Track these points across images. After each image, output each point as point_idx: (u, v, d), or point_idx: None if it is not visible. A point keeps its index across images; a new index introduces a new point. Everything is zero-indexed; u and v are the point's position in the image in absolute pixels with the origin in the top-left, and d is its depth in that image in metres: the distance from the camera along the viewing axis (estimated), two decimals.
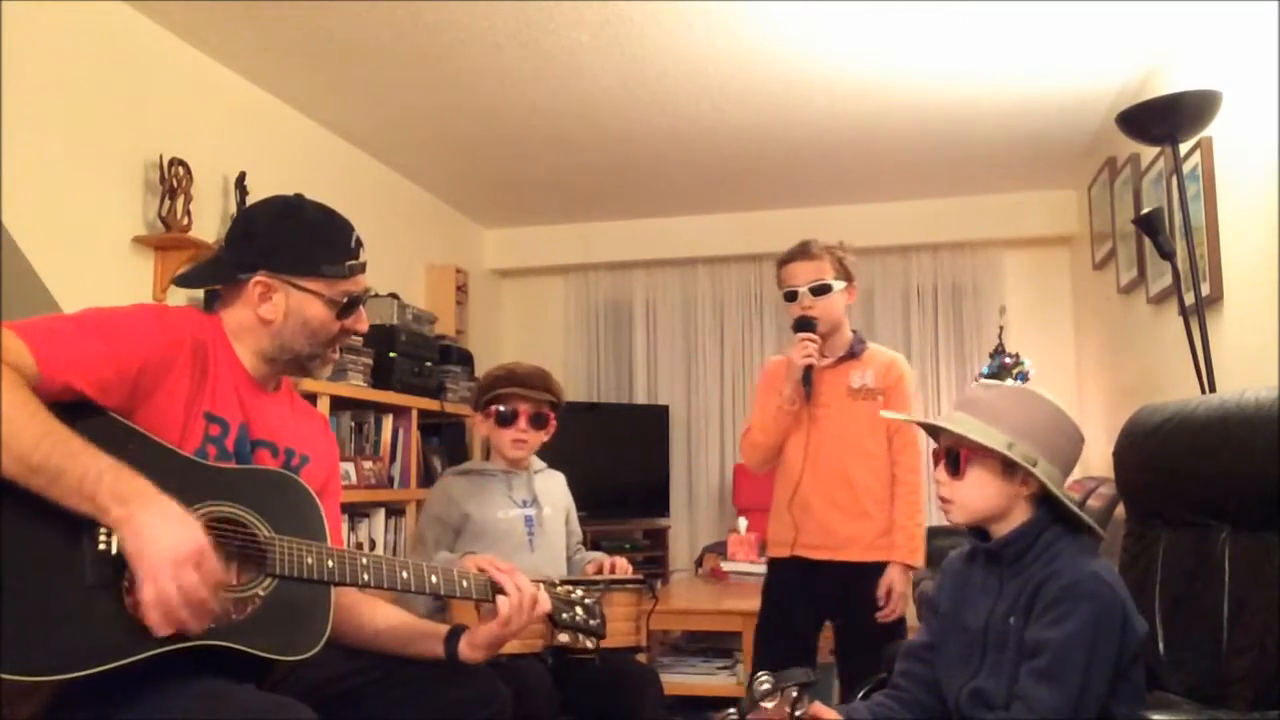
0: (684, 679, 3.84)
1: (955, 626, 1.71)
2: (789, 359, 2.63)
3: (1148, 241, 3.03)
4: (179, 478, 1.42)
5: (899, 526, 2.57)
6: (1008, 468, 1.63)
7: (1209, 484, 1.75)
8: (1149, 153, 3.52)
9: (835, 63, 3.58)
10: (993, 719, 1.57)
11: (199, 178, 3.31)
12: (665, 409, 5.68)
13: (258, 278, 1.61)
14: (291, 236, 1.63)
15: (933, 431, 1.77)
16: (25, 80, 2.73)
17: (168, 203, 3.18)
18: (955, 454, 1.68)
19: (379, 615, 1.77)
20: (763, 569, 4.31)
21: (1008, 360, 4.69)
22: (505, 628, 1.71)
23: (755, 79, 3.72)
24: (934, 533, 3.09)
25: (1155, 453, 1.86)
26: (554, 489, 2.69)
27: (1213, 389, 2.63)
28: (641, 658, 2.50)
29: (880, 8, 3.17)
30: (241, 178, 3.49)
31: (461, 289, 5.13)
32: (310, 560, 1.51)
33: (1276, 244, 2.57)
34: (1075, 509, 1.63)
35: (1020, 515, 1.66)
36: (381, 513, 3.92)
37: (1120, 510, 2.40)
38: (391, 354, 4.07)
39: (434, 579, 1.67)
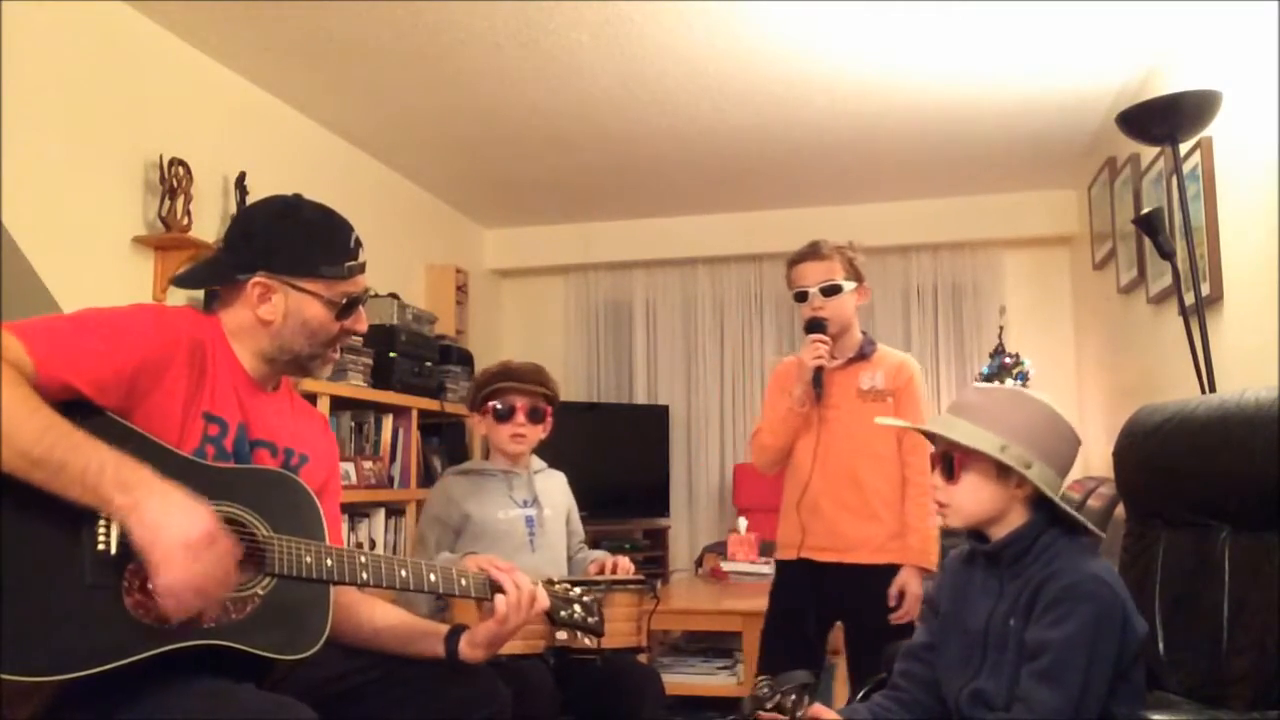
0: (684, 679, 3.84)
1: (955, 627, 1.71)
2: (800, 360, 2.62)
3: (1148, 241, 3.03)
4: (177, 477, 1.42)
5: (912, 529, 2.55)
6: (1002, 471, 1.63)
7: (1209, 484, 1.74)
8: (1149, 153, 3.52)
9: (835, 63, 3.58)
10: (993, 719, 1.57)
11: (199, 178, 3.31)
12: (665, 409, 5.67)
13: (256, 279, 1.61)
14: (290, 237, 1.63)
15: (931, 436, 1.77)
16: (25, 80, 2.73)
17: (168, 203, 3.18)
18: (950, 458, 1.68)
19: (378, 614, 1.77)
20: (763, 569, 4.36)
21: (1008, 360, 4.69)
22: (503, 625, 1.71)
23: (755, 79, 3.71)
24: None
25: (1155, 453, 1.86)
26: (554, 489, 2.69)
27: (1213, 389, 2.63)
28: (642, 658, 2.50)
29: (880, 8, 3.17)
30: (241, 178, 3.50)
31: (461, 289, 5.13)
32: (309, 559, 1.51)
33: (1276, 244, 2.57)
34: (1071, 511, 1.63)
35: (1017, 518, 1.65)
36: (381, 513, 3.92)
37: (1120, 510, 2.40)
38: (391, 354, 4.07)
39: (433, 578, 1.67)
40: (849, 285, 2.63)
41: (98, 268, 3.01)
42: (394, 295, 4.31)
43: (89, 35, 2.97)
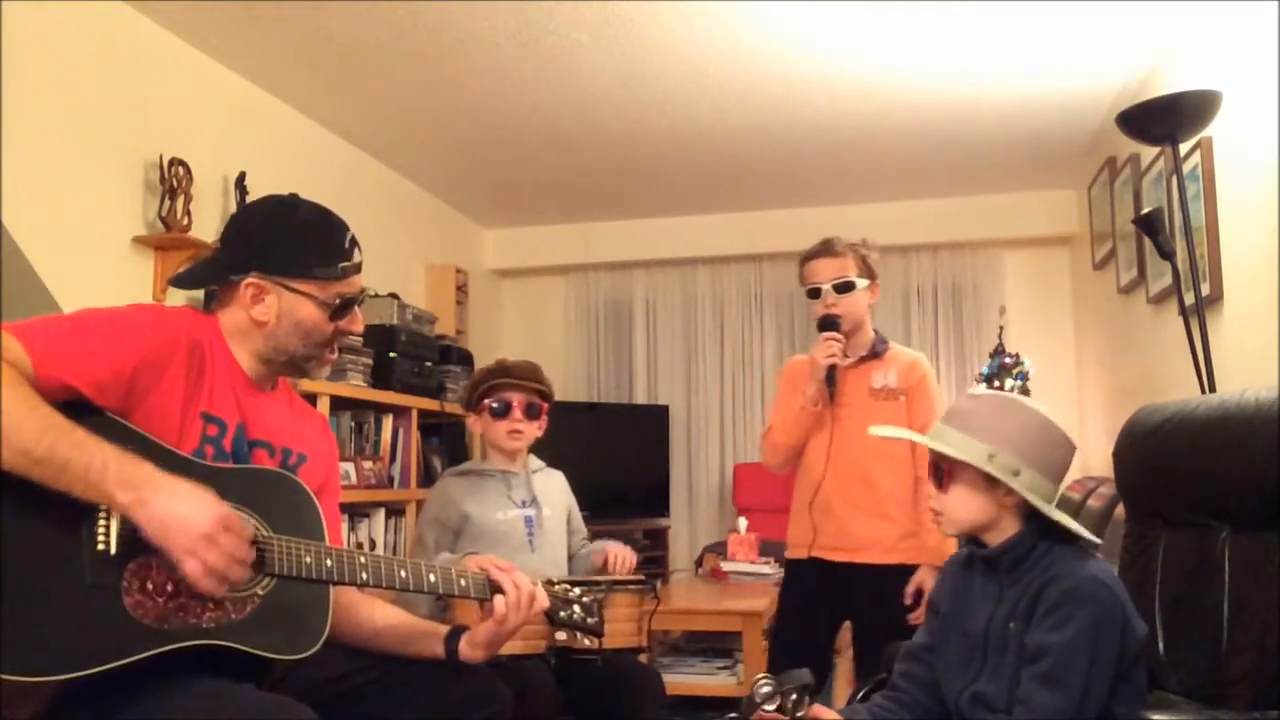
0: (684, 679, 3.84)
1: (955, 629, 1.70)
2: (812, 358, 2.60)
3: (1148, 241, 3.03)
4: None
5: (927, 528, 2.52)
6: (991, 480, 1.62)
7: (1209, 484, 1.74)
8: (1149, 153, 3.52)
9: (835, 63, 3.58)
10: None
11: (199, 178, 3.31)
12: (665, 409, 5.68)
13: (250, 279, 1.60)
14: (284, 237, 1.63)
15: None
16: (25, 80, 2.73)
17: (168, 203, 3.18)
18: (941, 467, 1.68)
19: (378, 615, 1.77)
20: (763, 569, 4.36)
21: (1008, 360, 4.69)
22: (503, 625, 1.71)
23: (755, 79, 3.71)
24: None
25: (1155, 453, 1.86)
26: (553, 488, 2.69)
27: (1213, 389, 2.63)
28: (642, 658, 2.50)
29: (880, 8, 3.17)
30: (241, 178, 3.49)
31: (461, 289, 5.13)
32: (309, 559, 1.51)
33: (1276, 244, 2.57)
34: (1063, 521, 1.61)
35: (1010, 526, 1.65)
36: (381, 513, 3.92)
37: (1120, 510, 2.40)
38: (391, 354, 4.07)
39: (432, 578, 1.67)
40: (862, 282, 2.61)
41: (98, 268, 3.01)
42: (394, 295, 4.31)
43: (89, 35, 2.97)
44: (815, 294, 2.62)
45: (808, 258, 2.66)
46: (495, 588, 1.74)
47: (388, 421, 4.11)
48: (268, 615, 1.46)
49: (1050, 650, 1.51)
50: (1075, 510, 3.18)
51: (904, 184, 5.06)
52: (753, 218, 5.51)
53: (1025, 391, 4.45)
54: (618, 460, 5.33)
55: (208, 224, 3.40)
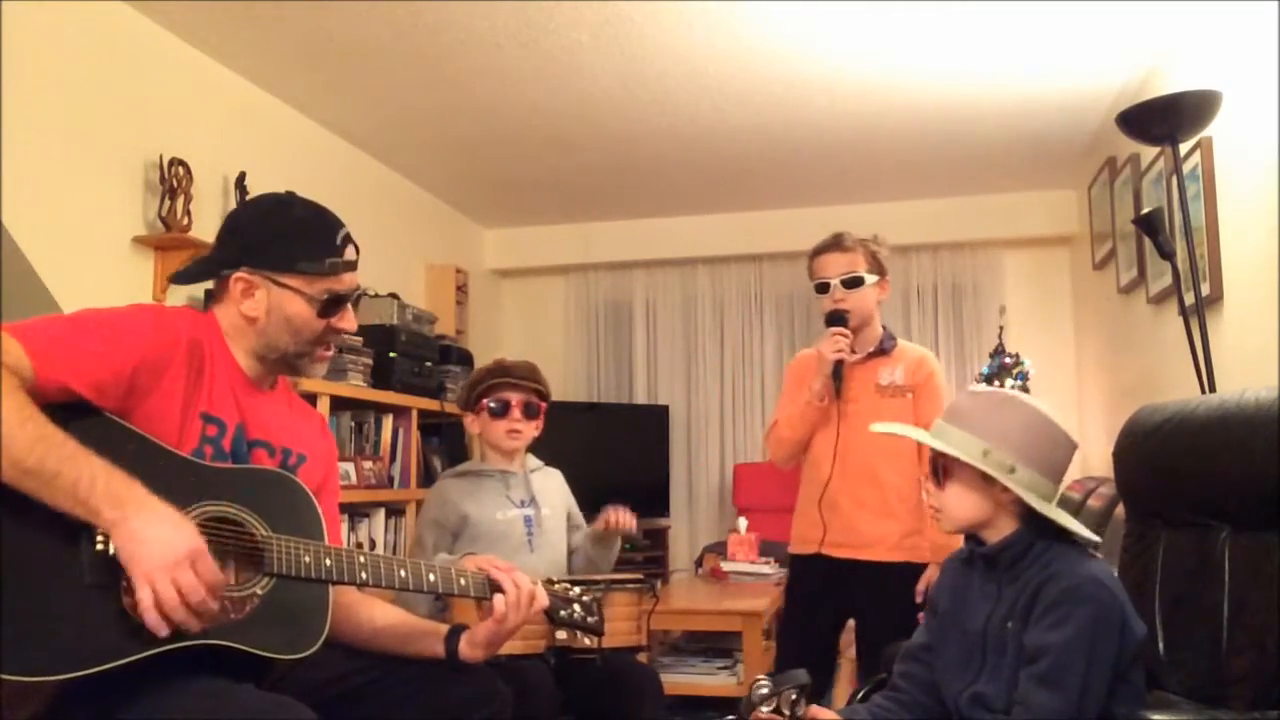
0: (684, 679, 3.84)
1: (954, 628, 1.70)
2: (819, 353, 2.59)
3: (1148, 241, 3.03)
4: (176, 478, 1.42)
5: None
6: (987, 477, 1.61)
7: (1209, 484, 1.74)
8: (1149, 153, 3.52)
9: (835, 63, 3.58)
10: None
11: (199, 178, 3.31)
12: (665, 409, 5.67)
13: (239, 274, 1.60)
14: (273, 233, 1.63)
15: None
16: (25, 80, 2.73)
17: (168, 203, 3.18)
18: (940, 464, 1.68)
19: (378, 614, 1.77)
20: (763, 569, 4.36)
21: (1008, 360, 4.69)
22: (503, 624, 1.71)
23: (755, 79, 3.71)
24: None
25: (1155, 453, 1.86)
26: (552, 488, 2.69)
27: (1213, 389, 2.63)
28: (642, 657, 2.50)
29: (880, 8, 3.17)
30: (241, 178, 3.50)
31: (461, 289, 5.13)
32: (308, 559, 1.51)
33: (1276, 244, 2.57)
34: (1059, 519, 1.60)
35: (1007, 524, 1.64)
36: (381, 513, 3.92)
37: (1120, 510, 2.40)
38: (391, 354, 4.07)
39: (432, 577, 1.67)
40: (871, 278, 2.61)
41: (98, 268, 3.01)
42: (394, 295, 4.31)
43: (89, 35, 2.97)
44: (824, 288, 2.62)
45: (817, 252, 2.66)
46: (495, 587, 1.73)
47: (388, 421, 4.11)
48: (267, 615, 1.46)
49: (1048, 650, 1.51)
50: (1076, 510, 3.17)
51: (904, 184, 5.06)
52: (753, 218, 5.51)
53: (1025, 391, 4.45)
54: (617, 460, 5.32)
55: (208, 224, 3.39)
